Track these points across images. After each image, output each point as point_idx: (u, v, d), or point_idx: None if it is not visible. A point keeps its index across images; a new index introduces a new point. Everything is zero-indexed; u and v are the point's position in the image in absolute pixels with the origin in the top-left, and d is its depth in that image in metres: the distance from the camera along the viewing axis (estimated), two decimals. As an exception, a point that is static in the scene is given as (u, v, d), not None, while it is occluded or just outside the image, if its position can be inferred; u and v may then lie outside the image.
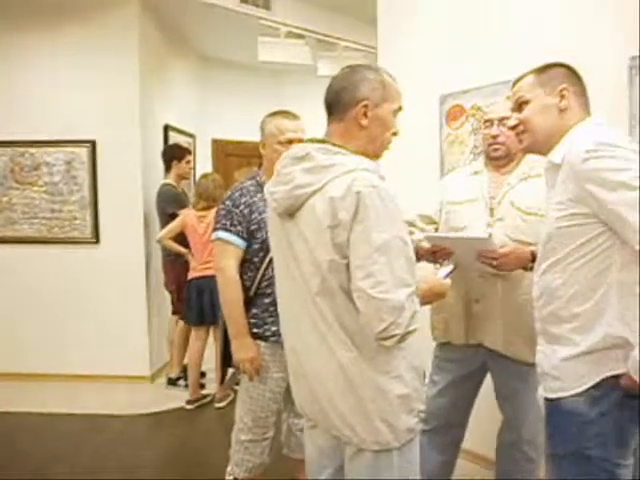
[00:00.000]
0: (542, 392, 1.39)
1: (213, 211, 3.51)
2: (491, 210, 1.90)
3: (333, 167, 1.25)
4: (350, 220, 1.20)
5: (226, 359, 2.09)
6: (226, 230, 1.96)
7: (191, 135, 5.33)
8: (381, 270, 1.18)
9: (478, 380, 2.08)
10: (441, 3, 2.75)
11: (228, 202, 2.01)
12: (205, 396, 3.72)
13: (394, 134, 1.39)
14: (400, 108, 1.39)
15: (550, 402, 1.36)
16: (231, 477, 2.08)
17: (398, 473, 1.33)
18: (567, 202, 1.27)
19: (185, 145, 4.56)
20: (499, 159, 1.93)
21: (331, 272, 1.25)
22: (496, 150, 1.92)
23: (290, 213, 1.32)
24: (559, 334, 1.33)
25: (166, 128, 4.63)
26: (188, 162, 4.07)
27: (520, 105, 1.44)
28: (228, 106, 5.86)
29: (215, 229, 2.02)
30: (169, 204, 3.89)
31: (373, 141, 1.35)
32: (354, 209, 1.19)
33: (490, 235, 1.65)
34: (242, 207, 1.97)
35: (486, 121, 1.96)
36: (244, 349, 1.96)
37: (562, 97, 1.37)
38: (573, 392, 1.29)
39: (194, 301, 3.58)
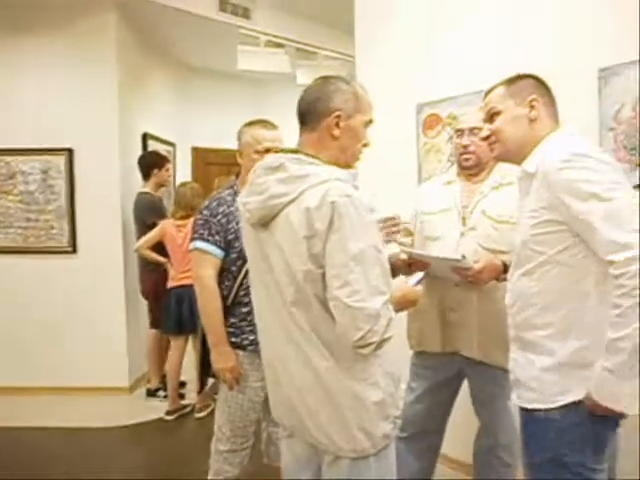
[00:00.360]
0: (516, 400, 1.41)
1: (192, 220, 3.49)
2: (464, 219, 1.92)
3: (307, 177, 1.25)
4: (326, 230, 1.21)
5: (205, 368, 2.08)
6: (204, 240, 1.96)
7: (171, 143, 5.31)
8: (357, 279, 1.19)
9: (455, 386, 2.10)
10: (417, 13, 2.78)
11: (206, 212, 2.01)
12: (185, 406, 3.68)
13: (365, 145, 1.41)
14: (371, 120, 1.40)
15: (525, 411, 1.37)
16: None
17: (376, 479, 1.34)
18: (541, 210, 1.30)
19: (164, 153, 4.53)
20: (470, 168, 1.96)
21: (307, 282, 1.25)
22: (467, 160, 1.95)
23: (264, 223, 1.33)
24: (533, 341, 1.35)
25: (145, 136, 4.59)
26: (167, 170, 4.05)
27: (492, 116, 1.47)
28: (208, 114, 5.84)
29: (193, 239, 2.01)
30: (148, 213, 3.85)
31: (344, 151, 1.37)
32: (329, 219, 1.20)
33: (463, 257, 1.68)
34: (220, 217, 1.97)
35: (457, 131, 1.99)
36: (223, 358, 1.95)
37: (532, 107, 1.41)
38: (550, 406, 1.31)
39: (173, 310, 3.54)
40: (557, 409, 1.29)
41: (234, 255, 1.96)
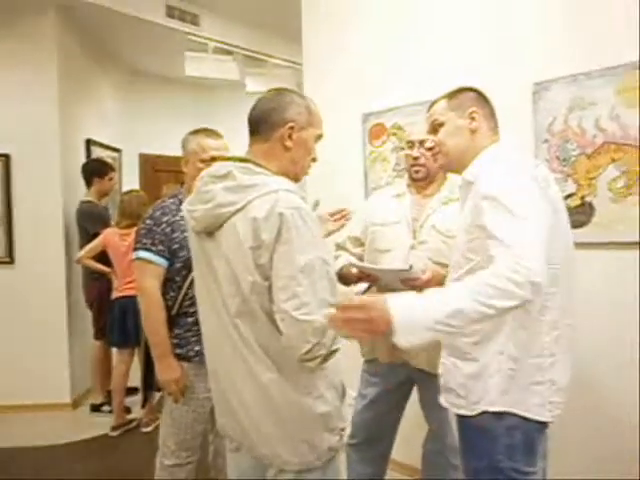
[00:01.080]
0: (444, 403, 1.45)
1: (135, 229, 3.42)
2: (414, 232, 1.94)
3: (255, 187, 1.24)
4: (273, 241, 1.19)
5: (149, 381, 2.03)
6: (147, 249, 1.92)
7: (117, 150, 5.17)
8: (305, 292, 1.18)
9: (405, 392, 2.13)
10: (364, 23, 2.83)
11: (149, 221, 1.97)
12: (131, 421, 3.57)
13: (313, 160, 1.42)
14: (321, 135, 1.42)
15: (460, 417, 1.41)
16: None
17: None
18: (474, 216, 1.34)
19: (109, 160, 4.41)
20: (421, 180, 2.00)
21: (253, 293, 1.24)
22: (417, 172, 1.98)
23: (209, 232, 1.31)
24: (458, 347, 1.39)
25: (88, 142, 4.45)
26: (111, 179, 3.94)
27: (435, 127, 1.52)
28: (156, 120, 5.73)
29: (135, 248, 1.96)
30: (89, 223, 3.74)
31: (295, 163, 1.36)
32: (277, 230, 1.19)
33: (411, 266, 1.71)
34: (164, 226, 1.93)
35: (408, 142, 2.02)
36: (168, 370, 1.90)
37: (472, 119, 1.46)
38: (474, 413, 1.35)
39: (117, 322, 3.43)
40: (487, 415, 1.32)
41: (179, 265, 1.92)
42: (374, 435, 2.12)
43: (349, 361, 2.05)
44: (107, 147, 4.89)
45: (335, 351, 1.24)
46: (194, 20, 4.30)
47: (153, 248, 1.91)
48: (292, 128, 1.32)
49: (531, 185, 1.27)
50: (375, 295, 1.25)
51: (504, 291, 1.10)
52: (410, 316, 1.14)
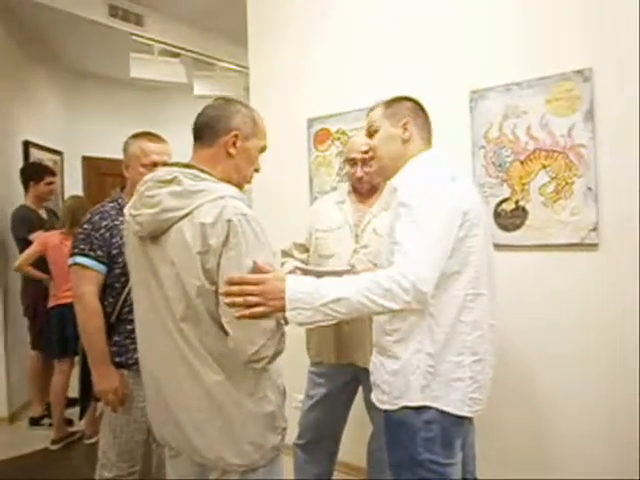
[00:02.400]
0: (374, 400, 1.49)
1: (78, 235, 3.31)
2: (356, 237, 2.00)
3: (201, 192, 1.25)
4: (220, 246, 1.21)
5: (87, 392, 1.97)
6: (84, 255, 1.87)
7: (58, 152, 4.99)
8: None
9: (350, 393, 2.16)
10: (309, 29, 2.86)
11: (87, 225, 1.92)
12: (73, 433, 3.45)
13: (256, 170, 1.44)
14: (265, 147, 1.45)
15: (385, 413, 1.46)
16: None
17: None
18: (392, 221, 1.40)
19: (49, 163, 4.26)
20: (365, 194, 2.07)
21: (199, 297, 1.24)
22: (362, 187, 2.05)
23: (154, 237, 1.30)
24: (384, 346, 1.45)
25: (26, 144, 4.28)
26: (49, 183, 3.78)
27: (371, 132, 1.58)
28: (101, 122, 5.57)
29: (73, 254, 1.90)
30: (18, 227, 3.60)
31: (238, 172, 1.39)
32: (225, 236, 1.21)
33: (352, 267, 1.75)
34: (102, 231, 1.89)
35: (349, 160, 2.05)
36: (106, 379, 1.85)
37: (405, 129, 1.52)
38: (395, 407, 1.41)
39: (55, 331, 3.30)
40: (408, 410, 1.38)
41: (118, 271, 1.88)
42: (321, 435, 2.15)
43: (296, 363, 2.08)
44: (48, 149, 4.72)
45: (280, 352, 1.28)
46: (138, 20, 4.21)
47: (91, 254, 1.86)
48: (236, 136, 1.35)
49: (444, 198, 1.35)
50: (276, 272, 1.29)
51: (390, 292, 1.22)
52: (301, 295, 1.23)
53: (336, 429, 2.19)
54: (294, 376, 2.05)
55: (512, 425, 2.21)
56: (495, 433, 2.13)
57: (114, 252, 1.88)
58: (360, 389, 2.16)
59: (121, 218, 1.89)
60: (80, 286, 1.87)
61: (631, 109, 1.93)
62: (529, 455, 2.18)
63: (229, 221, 1.21)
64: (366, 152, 1.59)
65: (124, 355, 1.89)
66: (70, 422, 3.58)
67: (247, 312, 1.19)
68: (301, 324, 1.25)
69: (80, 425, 3.49)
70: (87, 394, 1.98)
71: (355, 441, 2.40)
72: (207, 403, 1.29)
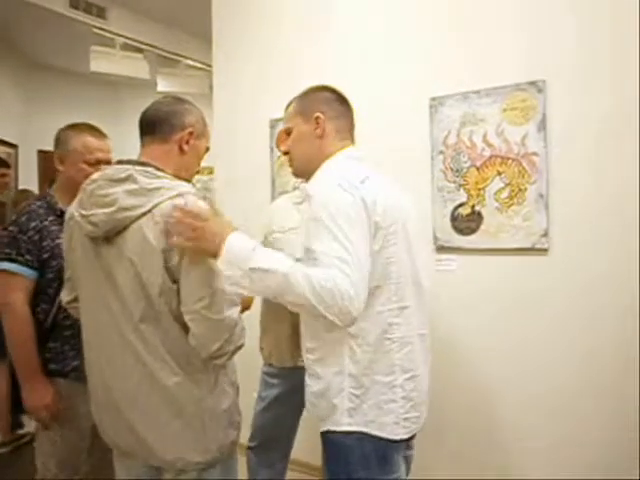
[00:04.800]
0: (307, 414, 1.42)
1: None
2: None
3: (159, 190, 1.24)
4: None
5: (17, 404, 1.79)
6: (11, 260, 1.72)
7: (12, 145, 4.83)
8: (215, 291, 1.22)
9: (302, 394, 2.15)
10: (273, 28, 2.86)
11: (13, 227, 1.76)
12: (23, 436, 3.33)
13: (197, 171, 1.46)
14: (208, 148, 1.47)
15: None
16: None
17: None
18: (305, 234, 1.28)
19: (2, 156, 4.11)
20: None
21: (161, 296, 1.23)
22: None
23: (108, 237, 1.27)
24: (307, 365, 1.37)
25: (-21, 136, 4.14)
26: (2, 175, 3.67)
27: (288, 133, 1.48)
28: (58, 116, 5.35)
29: None
30: None
31: (187, 169, 1.40)
32: None
33: None
34: (31, 233, 1.74)
35: None
36: (37, 394, 1.72)
37: (317, 124, 1.40)
38: (325, 429, 1.32)
39: None
40: (333, 433, 1.30)
41: (50, 275, 1.75)
42: (273, 437, 2.13)
43: (248, 362, 2.07)
44: (2, 142, 4.56)
45: (241, 346, 1.29)
46: (100, 13, 4.12)
47: (19, 258, 1.72)
48: (191, 134, 1.37)
49: (357, 208, 1.23)
50: (227, 223, 1.24)
51: (319, 296, 1.11)
52: (237, 251, 1.17)
53: (288, 431, 2.17)
54: (246, 375, 2.05)
55: (466, 427, 2.27)
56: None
57: (45, 256, 1.74)
58: None
59: (51, 218, 1.78)
60: (7, 294, 1.73)
61: (581, 119, 2.01)
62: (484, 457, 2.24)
63: None
64: (286, 153, 1.50)
65: (61, 362, 1.78)
66: (20, 425, 3.46)
67: (180, 240, 1.17)
68: (228, 281, 1.19)
69: (32, 427, 3.38)
70: (18, 406, 1.80)
71: (310, 438, 2.40)
72: (165, 404, 1.28)
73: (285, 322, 2.00)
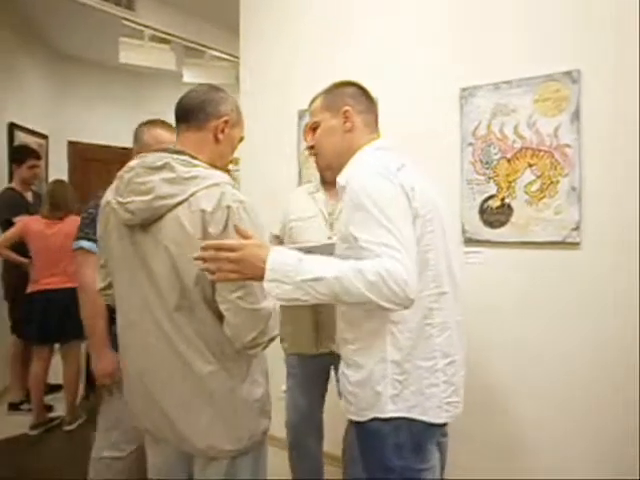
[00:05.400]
0: (343, 407, 1.41)
1: (67, 220, 3.27)
2: (331, 225, 2.00)
3: (195, 179, 1.24)
4: (219, 234, 1.21)
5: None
6: (90, 239, 1.86)
7: (44, 136, 4.92)
8: (251, 282, 1.21)
9: (324, 380, 2.17)
10: (302, 19, 2.85)
11: (92, 210, 1.88)
12: (53, 419, 3.42)
13: (231, 161, 1.46)
14: (243, 138, 1.47)
15: (354, 422, 1.38)
16: None
17: (252, 474, 1.38)
18: (346, 224, 1.28)
19: (34, 147, 4.19)
20: (331, 183, 2.04)
21: (197, 285, 1.24)
22: (328, 177, 2.01)
23: (144, 225, 1.28)
24: (345, 355, 1.37)
25: (11, 127, 4.21)
26: (32, 167, 3.73)
27: (314, 128, 1.48)
28: (88, 107, 5.51)
29: (78, 238, 1.91)
30: (3, 210, 3.55)
31: (221, 158, 1.40)
32: (224, 223, 1.21)
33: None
34: None
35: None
36: (103, 362, 1.88)
37: (346, 119, 1.42)
38: (362, 419, 1.33)
39: (36, 317, 3.25)
40: (377, 421, 1.30)
41: None
42: (307, 423, 2.16)
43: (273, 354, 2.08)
44: (33, 133, 4.65)
45: (275, 337, 1.29)
46: (129, 5, 4.15)
47: (96, 238, 1.80)
48: (226, 122, 1.37)
49: (398, 194, 1.23)
50: (257, 238, 1.21)
51: (387, 296, 1.11)
52: (283, 267, 1.14)
53: (319, 411, 2.20)
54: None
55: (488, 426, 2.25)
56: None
57: None
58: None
59: None
60: (84, 270, 1.88)
61: (616, 111, 1.96)
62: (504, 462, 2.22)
63: (228, 208, 1.22)
64: (312, 147, 1.50)
65: None
66: (50, 408, 3.56)
67: (221, 276, 1.14)
68: (279, 298, 1.17)
69: (61, 411, 3.47)
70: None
71: (332, 429, 2.40)
72: (199, 393, 1.29)
73: (307, 315, 2.02)
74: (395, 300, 1.12)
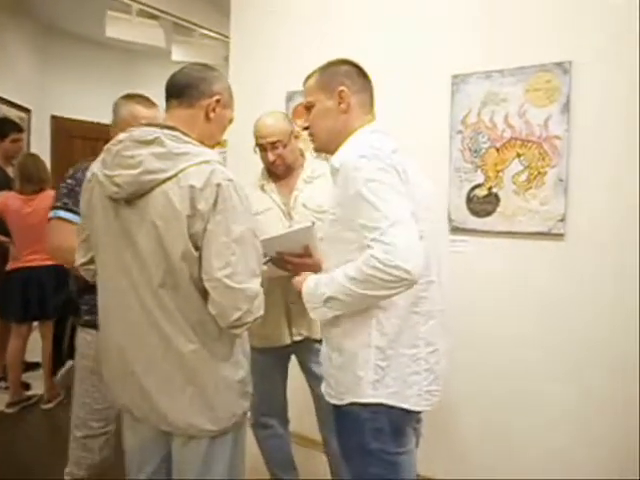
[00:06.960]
0: (322, 390, 1.43)
1: (43, 195, 3.21)
2: (289, 215, 1.97)
3: (185, 155, 1.23)
4: (208, 211, 1.20)
5: (59, 354, 1.95)
6: (68, 210, 1.82)
7: (26, 109, 4.81)
8: (237, 261, 1.22)
9: (285, 366, 2.16)
10: (292, 1, 2.80)
11: (71, 180, 1.85)
12: (30, 397, 3.39)
13: (218, 142, 1.45)
14: (232, 119, 1.45)
15: (333, 405, 1.39)
16: (69, 477, 1.92)
17: (231, 455, 1.38)
18: (337, 206, 1.30)
19: (16, 120, 4.10)
20: (282, 174, 2.02)
21: (183, 262, 1.22)
22: (277, 169, 2.00)
23: (130, 199, 1.25)
24: (329, 337, 1.38)
25: (-7, 98, 4.12)
26: (15, 140, 3.64)
27: (308, 108, 1.47)
28: (72, 82, 5.39)
29: (55, 207, 1.85)
30: None
31: (210, 137, 1.38)
32: (213, 200, 1.20)
33: (313, 223, 1.67)
34: None
35: (258, 145, 1.99)
36: None
37: (341, 99, 1.40)
38: (341, 403, 1.34)
39: (16, 295, 3.20)
40: (356, 405, 1.31)
41: None
42: (270, 407, 2.16)
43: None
44: (15, 105, 4.54)
45: (259, 318, 1.29)
46: (117, -22, 4.05)
47: (75, 209, 1.77)
48: (218, 101, 1.36)
49: (390, 174, 1.23)
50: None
51: (390, 284, 1.16)
52: (308, 296, 1.30)
53: (283, 398, 2.20)
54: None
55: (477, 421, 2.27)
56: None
57: None
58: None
59: None
60: (61, 239, 1.81)
61: (606, 104, 1.96)
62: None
63: (218, 185, 1.21)
64: (306, 128, 1.48)
65: (95, 314, 1.82)
66: (27, 386, 3.52)
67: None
68: (319, 319, 1.35)
69: (39, 389, 3.44)
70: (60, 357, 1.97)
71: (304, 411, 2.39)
72: (180, 372, 1.28)
73: (279, 306, 1.97)
74: (401, 284, 1.16)
